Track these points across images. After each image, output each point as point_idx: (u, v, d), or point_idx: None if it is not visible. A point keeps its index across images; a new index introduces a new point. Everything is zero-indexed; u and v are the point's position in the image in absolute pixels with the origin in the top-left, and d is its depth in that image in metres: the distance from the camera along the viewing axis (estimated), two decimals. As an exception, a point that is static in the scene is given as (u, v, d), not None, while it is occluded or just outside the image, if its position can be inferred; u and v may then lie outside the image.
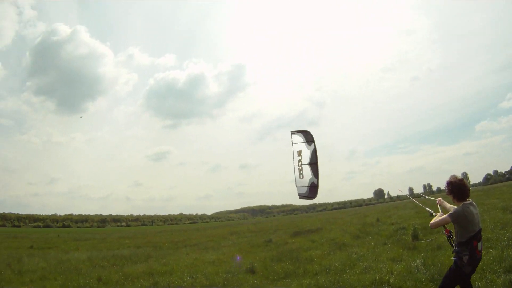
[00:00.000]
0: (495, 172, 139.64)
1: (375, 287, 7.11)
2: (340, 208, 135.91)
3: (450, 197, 4.56)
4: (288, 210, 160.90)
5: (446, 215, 4.45)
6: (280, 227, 32.68)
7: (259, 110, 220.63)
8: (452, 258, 4.48)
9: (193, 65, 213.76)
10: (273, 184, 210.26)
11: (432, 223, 4.57)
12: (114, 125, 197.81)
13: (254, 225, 43.61)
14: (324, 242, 16.17)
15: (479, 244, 4.31)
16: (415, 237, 12.58)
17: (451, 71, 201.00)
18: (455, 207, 4.48)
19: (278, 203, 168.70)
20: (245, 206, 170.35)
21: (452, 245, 4.58)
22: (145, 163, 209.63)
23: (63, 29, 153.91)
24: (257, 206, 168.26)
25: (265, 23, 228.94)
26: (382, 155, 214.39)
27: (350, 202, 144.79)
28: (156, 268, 11.82)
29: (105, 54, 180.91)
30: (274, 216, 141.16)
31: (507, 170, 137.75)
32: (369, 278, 7.75)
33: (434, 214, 4.82)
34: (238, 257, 8.49)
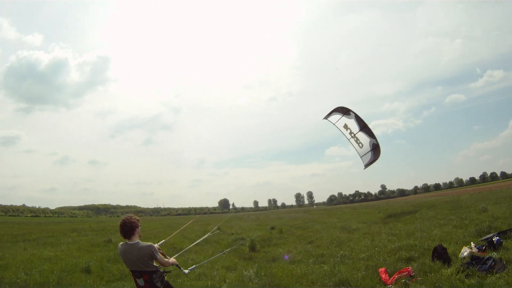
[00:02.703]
0: (340, 194, 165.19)
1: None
2: (185, 214, 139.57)
3: None
4: (132, 211, 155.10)
5: None
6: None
7: (116, 107, 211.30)
8: None
9: (59, 49, 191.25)
10: (120, 184, 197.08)
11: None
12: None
13: (97, 223, 40.22)
14: (162, 247, 15.16)
15: (139, 281, 4.46)
16: (253, 248, 12.92)
17: (309, 98, 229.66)
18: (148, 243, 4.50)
19: (123, 204, 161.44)
20: (90, 203, 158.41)
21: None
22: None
23: None
24: (101, 205, 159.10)
25: (137, 23, 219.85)
26: (231, 166, 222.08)
27: (195, 209, 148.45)
28: (-8, 263, 11.18)
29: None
30: (118, 216, 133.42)
31: (351, 193, 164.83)
32: (201, 284, 7.58)
33: None
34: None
